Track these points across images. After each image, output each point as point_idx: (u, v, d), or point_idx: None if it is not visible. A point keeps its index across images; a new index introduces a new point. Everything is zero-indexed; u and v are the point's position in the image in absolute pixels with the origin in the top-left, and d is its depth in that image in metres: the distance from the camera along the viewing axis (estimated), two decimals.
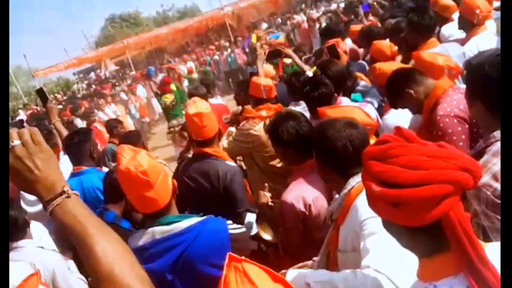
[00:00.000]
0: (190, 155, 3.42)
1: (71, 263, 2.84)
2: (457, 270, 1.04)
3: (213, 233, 2.10)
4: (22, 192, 3.63)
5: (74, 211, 1.07)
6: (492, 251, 1.07)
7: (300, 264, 2.12)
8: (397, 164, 1.04)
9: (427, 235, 1.07)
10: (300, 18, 17.61)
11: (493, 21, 4.12)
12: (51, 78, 33.30)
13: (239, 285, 1.01)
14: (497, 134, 1.78)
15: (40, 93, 4.23)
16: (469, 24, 3.89)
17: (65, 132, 4.06)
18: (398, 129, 1.12)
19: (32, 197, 3.68)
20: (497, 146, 1.76)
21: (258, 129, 3.66)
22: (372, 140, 2.37)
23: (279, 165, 3.60)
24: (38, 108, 19.06)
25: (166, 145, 10.56)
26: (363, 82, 4.27)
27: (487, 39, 3.76)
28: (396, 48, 4.19)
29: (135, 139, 4.37)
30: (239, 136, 3.75)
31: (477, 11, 3.77)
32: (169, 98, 9.12)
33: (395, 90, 2.84)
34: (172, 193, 2.11)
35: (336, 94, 3.30)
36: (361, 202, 1.72)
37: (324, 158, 1.96)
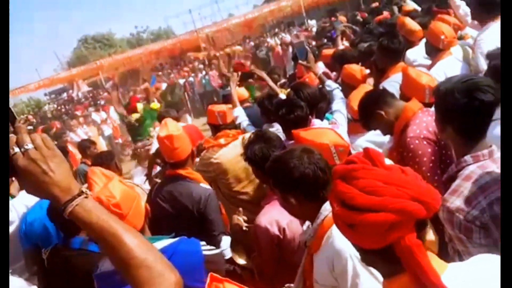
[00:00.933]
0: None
1: None
2: None
3: (186, 254, 2.05)
4: None
5: (96, 209, 1.12)
6: (453, 272, 1.11)
7: None
8: (356, 186, 1.08)
9: (385, 258, 1.12)
10: (273, 42, 17.83)
11: (459, 48, 4.28)
12: (22, 99, 32.69)
13: None
14: (468, 158, 1.83)
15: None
16: (435, 50, 4.03)
17: None
18: (365, 150, 1.15)
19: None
20: (468, 170, 1.81)
21: (218, 156, 3.67)
22: None
23: (244, 190, 3.63)
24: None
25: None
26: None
27: (453, 64, 3.90)
28: (367, 71, 4.30)
29: (107, 159, 4.32)
30: (201, 166, 3.72)
31: (442, 37, 3.92)
32: (134, 116, 8.88)
33: (366, 112, 2.91)
34: (145, 218, 2.08)
35: (310, 116, 3.34)
36: (336, 234, 1.73)
37: (293, 190, 1.89)
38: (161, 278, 1.11)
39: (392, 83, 3.61)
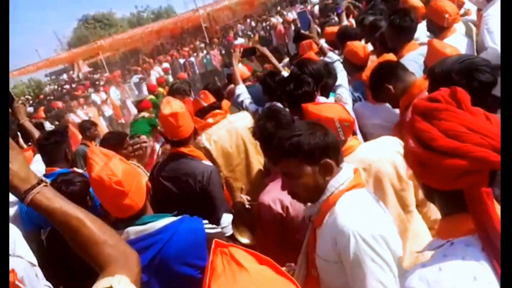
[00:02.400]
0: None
1: (38, 270, 2.78)
2: (474, 230, 1.07)
3: (189, 232, 2.07)
4: None
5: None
6: None
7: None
8: (438, 127, 1.07)
9: (449, 198, 1.14)
10: (275, 20, 17.67)
11: (461, 23, 4.20)
12: (22, 80, 32.62)
13: (226, 268, 1.05)
14: None
15: None
16: (439, 28, 3.95)
17: (35, 132, 3.96)
18: (453, 89, 1.13)
19: (10, 199, 3.59)
20: None
21: (205, 139, 3.66)
22: (354, 141, 2.41)
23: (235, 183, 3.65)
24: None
25: None
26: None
27: (458, 41, 3.82)
28: (370, 48, 4.22)
29: (118, 141, 4.31)
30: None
31: (446, 15, 3.83)
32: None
33: (375, 84, 2.91)
34: (146, 195, 2.08)
35: (315, 93, 3.29)
36: (339, 211, 1.72)
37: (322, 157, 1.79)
38: (125, 255, 1.18)
39: (409, 62, 3.54)
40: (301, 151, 1.77)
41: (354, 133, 2.77)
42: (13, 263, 2.50)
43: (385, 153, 2.34)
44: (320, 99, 3.43)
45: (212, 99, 3.87)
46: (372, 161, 2.31)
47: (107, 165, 1.92)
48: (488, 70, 1.83)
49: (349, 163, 1.93)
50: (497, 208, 1.08)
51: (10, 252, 2.75)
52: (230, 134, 3.70)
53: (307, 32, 4.68)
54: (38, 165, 3.66)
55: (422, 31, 4.36)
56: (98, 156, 1.97)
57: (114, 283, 1.05)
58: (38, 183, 1.14)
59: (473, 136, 1.04)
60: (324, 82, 3.60)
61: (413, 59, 3.41)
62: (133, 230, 2.01)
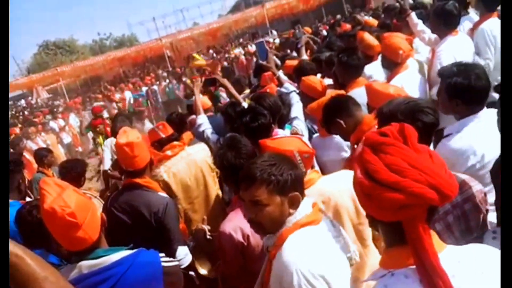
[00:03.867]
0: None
1: None
2: (413, 263, 1.15)
3: (145, 266, 2.03)
4: None
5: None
6: (450, 253, 1.20)
7: None
8: (383, 161, 1.14)
9: (391, 229, 1.22)
10: (238, 51, 17.94)
11: (414, 61, 4.42)
12: None
13: None
14: None
15: None
16: (393, 63, 4.14)
17: None
18: (402, 126, 1.21)
19: None
20: None
21: (164, 171, 3.67)
22: (314, 173, 2.44)
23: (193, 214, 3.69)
24: None
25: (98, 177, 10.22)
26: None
27: (411, 77, 4.01)
28: (328, 81, 4.38)
29: (78, 169, 4.26)
30: None
31: (400, 52, 4.02)
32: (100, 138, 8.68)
33: (327, 118, 2.99)
34: (101, 228, 2.03)
35: (272, 125, 3.36)
36: (286, 247, 1.76)
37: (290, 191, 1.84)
38: None
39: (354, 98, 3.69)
40: (273, 180, 1.79)
41: (313, 166, 2.85)
42: None
43: (344, 187, 2.33)
44: (279, 132, 3.51)
45: (170, 131, 3.88)
46: (331, 194, 2.34)
47: (60, 196, 1.86)
48: (431, 112, 1.96)
49: (309, 195, 1.97)
50: (433, 236, 1.18)
51: None
52: (189, 167, 3.71)
53: (264, 62, 4.80)
54: None
55: (376, 69, 4.56)
56: (51, 187, 1.91)
57: None
58: None
59: (413, 172, 1.11)
60: (281, 113, 3.71)
61: (359, 95, 3.55)
62: (86, 264, 1.94)
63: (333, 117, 2.93)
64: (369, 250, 2.42)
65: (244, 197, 1.90)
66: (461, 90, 2.45)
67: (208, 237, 2.71)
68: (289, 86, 4.40)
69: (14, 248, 1.14)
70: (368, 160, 1.16)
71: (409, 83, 3.82)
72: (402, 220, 1.14)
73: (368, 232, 2.42)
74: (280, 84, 4.55)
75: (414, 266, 1.15)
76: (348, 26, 8.34)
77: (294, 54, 7.48)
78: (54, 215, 1.83)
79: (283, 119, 3.88)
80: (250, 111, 3.20)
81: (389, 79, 4.13)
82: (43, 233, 2.74)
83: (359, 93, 3.53)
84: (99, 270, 1.94)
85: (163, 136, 3.83)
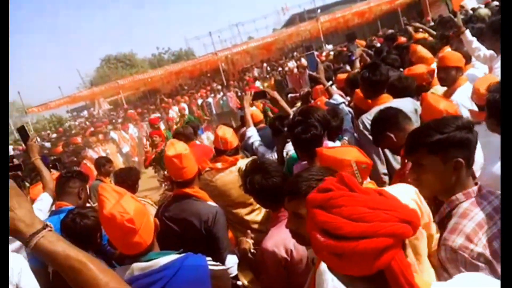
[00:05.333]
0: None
1: None
2: None
3: (193, 269, 2.08)
4: None
5: (60, 240, 1.19)
6: None
7: None
8: (341, 215, 1.05)
9: (372, 283, 1.10)
10: (291, 64, 18.00)
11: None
12: (44, 115, 33.33)
13: None
14: (460, 196, 1.81)
15: (21, 131, 4.25)
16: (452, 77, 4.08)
17: (44, 170, 4.06)
18: (340, 177, 1.13)
19: None
20: (462, 208, 1.79)
21: (214, 180, 3.74)
22: (370, 185, 2.39)
23: (245, 212, 3.70)
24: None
25: (154, 188, 10.53)
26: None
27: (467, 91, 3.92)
28: None
29: (133, 178, 4.44)
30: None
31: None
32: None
33: (377, 131, 2.96)
34: (154, 233, 2.10)
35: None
36: None
37: None
38: None
39: (367, 120, 3.63)
40: None
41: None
42: None
43: (401, 199, 2.29)
44: (328, 143, 3.50)
45: (232, 145, 3.93)
46: None
47: (119, 203, 1.94)
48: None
49: None
50: (417, 278, 1.11)
51: (15, 283, 2.79)
52: (236, 181, 3.72)
53: (314, 73, 4.81)
54: (41, 204, 3.75)
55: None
56: (109, 193, 1.99)
57: None
58: (43, 228, 1.18)
59: (377, 214, 1.04)
60: (329, 124, 3.70)
61: None
62: (138, 267, 2.01)
63: (383, 130, 2.89)
64: (424, 267, 2.35)
65: (288, 208, 1.91)
66: None
67: (252, 250, 2.73)
68: (338, 98, 4.38)
69: (77, 254, 1.18)
70: (324, 221, 1.07)
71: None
72: (383, 269, 1.05)
73: (423, 247, 2.34)
74: (329, 95, 4.55)
75: None
76: (403, 39, 8.20)
77: (348, 68, 7.44)
78: (114, 221, 1.90)
79: (333, 131, 3.86)
80: (301, 123, 3.20)
81: (449, 92, 4.05)
82: (88, 239, 2.91)
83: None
84: (150, 272, 2.01)
85: (223, 149, 3.92)
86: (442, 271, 1.81)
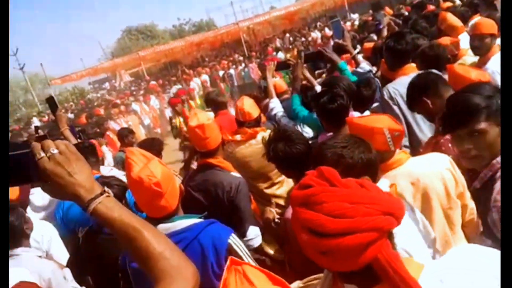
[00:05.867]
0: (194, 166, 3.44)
1: (67, 272, 2.87)
2: None
3: (213, 236, 2.11)
4: (31, 198, 3.66)
5: (117, 206, 1.19)
6: (430, 272, 1.11)
7: (307, 279, 2.07)
8: (322, 211, 1.03)
9: (361, 275, 1.08)
10: (315, 35, 17.69)
11: None
12: (67, 87, 33.73)
13: (238, 286, 1.06)
14: (500, 159, 1.75)
15: (50, 101, 4.32)
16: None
17: (73, 140, 4.11)
18: (319, 171, 1.11)
19: (39, 203, 3.72)
20: None
21: (234, 152, 3.70)
22: (403, 154, 2.33)
23: (265, 186, 3.66)
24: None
25: (175, 161, 10.57)
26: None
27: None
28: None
29: (156, 148, 4.43)
30: None
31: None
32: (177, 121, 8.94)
33: (413, 95, 2.84)
34: (179, 198, 2.15)
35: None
36: None
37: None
38: (179, 269, 1.15)
39: (392, 89, 3.52)
40: (341, 163, 1.75)
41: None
42: (40, 266, 2.58)
43: (434, 169, 2.24)
44: (354, 114, 3.41)
45: (252, 116, 3.87)
46: (420, 175, 2.21)
47: (147, 166, 1.98)
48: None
49: (397, 176, 1.94)
50: (409, 264, 1.09)
51: (45, 250, 2.84)
52: (255, 154, 3.66)
53: (340, 41, 4.64)
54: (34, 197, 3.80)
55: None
56: (137, 157, 2.03)
57: None
58: (101, 193, 1.18)
59: (358, 209, 1.01)
60: (360, 94, 3.58)
61: (402, 84, 3.36)
62: (162, 227, 2.05)
63: (419, 94, 2.77)
64: (457, 237, 2.29)
65: None
66: None
67: (276, 220, 2.71)
68: (366, 66, 4.25)
69: (133, 221, 1.17)
70: (307, 218, 1.04)
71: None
72: (371, 261, 1.03)
73: (457, 217, 2.29)
74: (356, 63, 4.41)
75: None
76: (432, 7, 7.91)
77: (374, 37, 7.21)
78: (141, 184, 1.94)
79: (366, 101, 3.74)
80: (327, 93, 3.11)
81: (483, 61, 3.88)
82: None
83: (405, 82, 3.37)
84: (173, 233, 2.05)
85: (242, 120, 3.86)
86: (484, 239, 1.78)
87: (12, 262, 2.55)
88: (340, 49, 5.05)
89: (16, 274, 2.17)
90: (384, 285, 1.06)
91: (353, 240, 0.99)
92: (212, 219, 2.18)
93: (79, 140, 4.98)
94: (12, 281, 2.02)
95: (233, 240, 2.14)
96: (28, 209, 3.55)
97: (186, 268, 1.16)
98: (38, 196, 3.73)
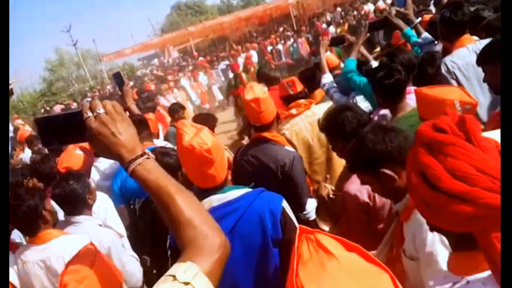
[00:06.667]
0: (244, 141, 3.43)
1: (126, 241, 2.96)
2: (488, 268, 0.96)
3: (268, 199, 2.10)
4: (98, 166, 3.79)
5: (155, 169, 1.20)
6: None
7: None
8: (445, 165, 0.93)
9: (459, 235, 1.02)
10: (368, 8, 17.17)
11: None
12: (117, 63, 34.54)
13: (313, 255, 1.01)
14: None
15: (117, 76, 4.43)
16: None
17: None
18: (461, 118, 0.98)
19: (107, 171, 3.84)
20: None
21: (287, 128, 3.64)
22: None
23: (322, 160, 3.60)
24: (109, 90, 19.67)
25: (221, 132, 10.67)
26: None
27: None
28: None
29: (210, 123, 4.47)
30: None
31: None
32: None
33: (482, 61, 2.65)
34: (228, 170, 2.16)
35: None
36: None
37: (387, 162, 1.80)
38: (205, 239, 1.12)
39: (450, 63, 3.34)
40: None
41: None
42: (101, 234, 2.66)
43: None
44: (412, 89, 3.26)
45: (300, 87, 3.82)
46: None
47: (198, 135, 2.00)
48: None
49: None
50: None
51: (101, 222, 2.93)
52: (312, 126, 3.63)
53: (402, 9, 4.42)
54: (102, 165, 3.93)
55: None
56: (188, 128, 2.05)
57: (179, 273, 1.01)
58: (142, 155, 1.20)
59: (483, 179, 0.90)
60: (424, 71, 3.43)
61: (461, 56, 3.21)
62: (216, 198, 2.06)
63: (488, 60, 2.57)
64: None
65: None
66: None
67: (331, 196, 2.67)
68: (428, 36, 4.04)
69: (168, 186, 1.17)
70: (426, 164, 0.95)
71: None
72: (473, 231, 0.95)
73: None
74: (418, 33, 4.20)
75: (489, 273, 0.96)
76: None
77: (433, 10, 6.91)
78: (192, 151, 1.96)
79: (427, 77, 3.58)
80: (384, 67, 2.98)
81: None
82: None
83: (463, 54, 3.16)
84: (227, 202, 2.05)
85: (292, 93, 3.79)
86: None
87: (74, 229, 2.66)
88: (390, 23, 4.83)
89: (79, 240, 2.25)
90: (478, 254, 0.98)
91: (463, 208, 0.91)
92: (262, 188, 2.18)
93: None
94: (77, 247, 2.10)
95: (285, 203, 2.13)
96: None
97: (213, 238, 1.13)
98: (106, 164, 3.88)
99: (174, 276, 1.00)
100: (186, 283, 0.99)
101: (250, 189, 2.13)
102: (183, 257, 1.08)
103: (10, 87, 3.73)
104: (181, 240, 1.13)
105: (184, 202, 1.16)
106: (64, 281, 1.67)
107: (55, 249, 2.37)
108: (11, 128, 12.27)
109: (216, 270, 1.08)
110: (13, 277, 2.56)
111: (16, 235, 3.06)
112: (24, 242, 2.86)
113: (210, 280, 1.04)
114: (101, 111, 1.18)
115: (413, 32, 4.12)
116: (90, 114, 1.18)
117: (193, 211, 1.15)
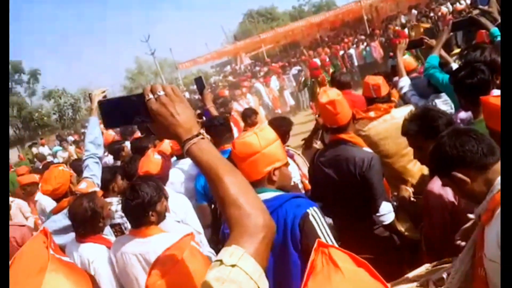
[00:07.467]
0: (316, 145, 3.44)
1: (203, 238, 3.15)
2: None
3: (298, 202, 2.13)
4: (182, 167, 3.96)
5: (208, 149, 1.24)
6: None
7: (438, 262, 2.01)
8: None
9: None
10: (445, 9, 16.54)
11: None
12: (192, 71, 35.65)
13: (324, 267, 1.06)
14: None
15: (199, 81, 4.68)
16: None
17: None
18: None
19: (192, 172, 4.00)
20: None
21: (367, 129, 3.60)
22: None
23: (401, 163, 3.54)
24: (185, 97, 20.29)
25: (293, 135, 10.66)
26: None
27: None
28: None
29: (285, 127, 4.55)
30: None
31: None
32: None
33: None
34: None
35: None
36: None
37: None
38: (248, 218, 1.14)
39: None
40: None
41: None
42: (179, 229, 2.80)
43: None
44: (494, 92, 3.13)
45: (384, 92, 3.81)
46: None
47: (255, 133, 2.15)
48: None
49: None
50: None
51: (181, 219, 3.10)
52: (390, 131, 3.58)
53: (485, 7, 4.21)
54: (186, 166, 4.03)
55: None
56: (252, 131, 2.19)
57: (225, 257, 1.05)
58: (197, 135, 1.24)
59: None
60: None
61: None
62: None
63: None
64: None
65: None
66: None
67: (412, 199, 2.61)
68: None
69: (218, 166, 1.21)
70: None
71: None
72: None
73: None
74: (498, 26, 3.98)
75: None
76: None
77: None
78: (250, 146, 2.12)
79: None
80: (467, 66, 2.90)
81: None
82: None
83: None
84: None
85: (375, 96, 3.79)
86: None
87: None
88: (474, 23, 4.63)
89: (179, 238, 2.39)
90: None
91: None
92: (299, 193, 2.21)
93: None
94: (168, 242, 2.22)
95: (313, 211, 2.09)
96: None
97: (256, 217, 1.14)
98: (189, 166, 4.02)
99: (221, 261, 1.04)
100: (233, 265, 1.03)
101: (281, 192, 2.18)
102: (230, 239, 1.12)
103: (104, 94, 3.97)
104: (228, 221, 1.16)
105: (231, 182, 1.19)
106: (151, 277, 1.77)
107: (154, 244, 2.55)
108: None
109: (261, 250, 1.10)
110: (104, 265, 2.76)
111: (108, 232, 3.27)
112: (114, 239, 3.06)
113: (257, 260, 1.06)
114: (162, 93, 1.24)
115: (499, 32, 3.92)
116: (151, 96, 1.24)
117: (239, 192, 1.18)
